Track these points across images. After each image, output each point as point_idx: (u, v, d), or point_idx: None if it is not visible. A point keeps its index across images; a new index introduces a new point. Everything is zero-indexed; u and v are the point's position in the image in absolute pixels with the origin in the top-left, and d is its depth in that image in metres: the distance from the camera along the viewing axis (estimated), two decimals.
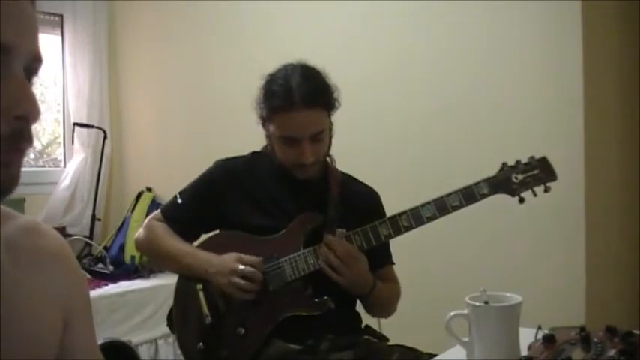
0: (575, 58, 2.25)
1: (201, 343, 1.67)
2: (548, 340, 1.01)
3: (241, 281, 1.60)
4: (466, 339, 1.13)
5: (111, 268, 3.31)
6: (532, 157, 1.59)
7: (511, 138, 2.40)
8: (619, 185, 2.46)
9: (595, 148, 2.29)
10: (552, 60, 2.32)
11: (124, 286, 3.15)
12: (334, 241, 1.61)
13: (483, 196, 1.57)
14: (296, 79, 1.60)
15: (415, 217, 1.59)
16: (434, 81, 2.63)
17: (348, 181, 1.82)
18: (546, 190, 1.57)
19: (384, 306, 1.79)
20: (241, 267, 1.61)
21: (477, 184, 1.58)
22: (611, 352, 0.94)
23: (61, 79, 3.77)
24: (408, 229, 1.60)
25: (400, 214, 1.61)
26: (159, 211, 1.84)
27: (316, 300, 1.63)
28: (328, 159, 1.79)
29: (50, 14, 3.70)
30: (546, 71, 2.34)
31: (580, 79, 2.25)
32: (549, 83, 2.34)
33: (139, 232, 1.84)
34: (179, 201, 1.78)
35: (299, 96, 1.58)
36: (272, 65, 1.71)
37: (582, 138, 2.26)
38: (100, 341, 0.91)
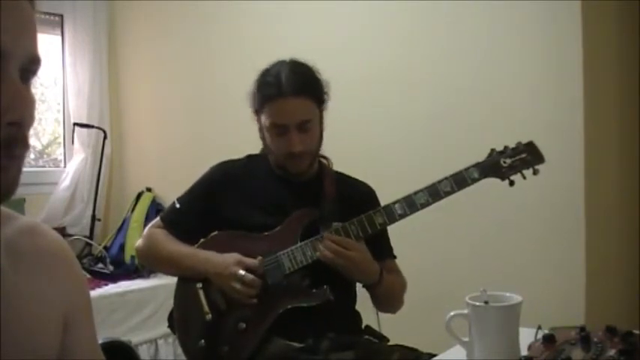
0: (575, 58, 2.25)
1: (202, 341, 1.67)
2: (548, 340, 1.01)
3: (241, 287, 1.62)
4: (466, 339, 1.14)
5: (111, 268, 3.31)
6: (519, 142, 1.64)
7: (511, 138, 2.37)
8: (619, 185, 2.46)
9: (595, 148, 2.29)
10: (552, 60, 2.32)
11: (124, 286, 3.15)
12: (331, 235, 1.64)
13: (474, 181, 1.62)
14: (286, 72, 1.68)
15: (409, 204, 1.63)
16: (434, 81, 2.63)
17: (344, 178, 1.85)
18: (535, 173, 1.61)
19: (393, 296, 1.80)
20: (241, 272, 1.62)
21: (467, 169, 1.63)
22: (611, 352, 0.94)
23: (61, 79, 3.76)
24: (402, 216, 1.64)
25: (394, 203, 1.65)
26: (158, 218, 1.86)
27: (314, 290, 1.64)
28: (324, 161, 1.83)
29: (50, 14, 3.69)
30: (546, 71, 2.34)
31: (580, 79, 2.25)
32: (549, 83, 2.34)
33: (139, 242, 1.85)
34: (177, 206, 1.81)
35: (287, 85, 1.66)
36: None
37: (582, 138, 2.26)
38: (99, 341, 0.91)
